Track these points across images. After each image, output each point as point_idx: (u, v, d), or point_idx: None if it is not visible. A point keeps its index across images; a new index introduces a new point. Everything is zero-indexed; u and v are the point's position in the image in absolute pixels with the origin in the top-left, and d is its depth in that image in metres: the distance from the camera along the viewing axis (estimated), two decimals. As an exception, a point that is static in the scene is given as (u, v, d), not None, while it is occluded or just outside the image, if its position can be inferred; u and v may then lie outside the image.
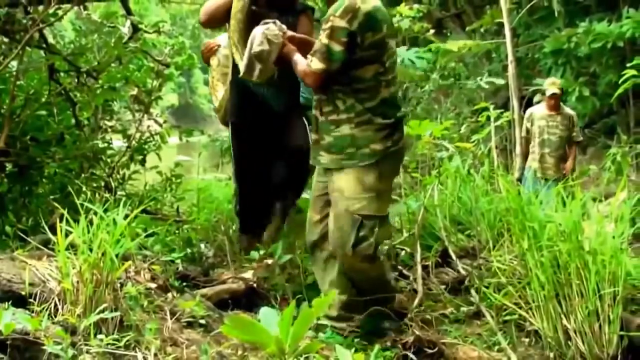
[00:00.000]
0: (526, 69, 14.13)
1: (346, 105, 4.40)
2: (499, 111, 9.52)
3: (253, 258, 5.58)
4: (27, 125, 5.84)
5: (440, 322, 5.02)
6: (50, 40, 7.01)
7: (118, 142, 7.11)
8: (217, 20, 5.70)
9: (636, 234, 5.82)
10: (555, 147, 9.51)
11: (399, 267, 5.81)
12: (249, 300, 5.34)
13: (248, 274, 5.51)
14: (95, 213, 3.87)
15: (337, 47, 4.27)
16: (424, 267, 5.85)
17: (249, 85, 5.45)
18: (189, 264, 5.68)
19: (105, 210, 3.94)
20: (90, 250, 3.69)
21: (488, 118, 9.17)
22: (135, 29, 7.15)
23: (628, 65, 7.53)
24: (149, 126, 7.20)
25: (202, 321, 4.27)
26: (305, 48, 4.66)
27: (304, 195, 6.51)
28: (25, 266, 3.86)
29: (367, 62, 4.36)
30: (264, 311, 2.75)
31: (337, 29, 4.25)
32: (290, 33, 4.78)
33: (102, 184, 6.26)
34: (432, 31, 9.25)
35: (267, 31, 4.59)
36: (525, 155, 9.98)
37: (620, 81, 7.54)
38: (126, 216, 3.94)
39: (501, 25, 10.02)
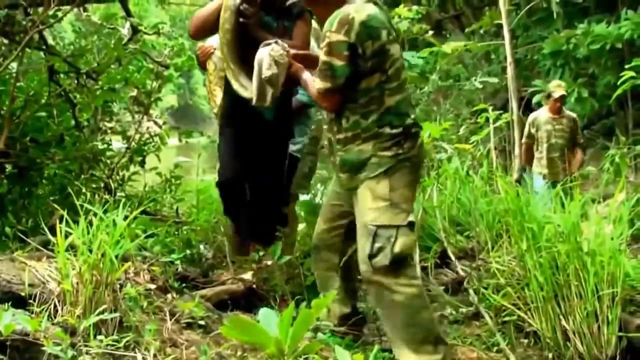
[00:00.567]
0: (525, 71, 14.15)
1: (350, 123, 4.18)
2: (498, 112, 9.51)
3: (253, 259, 5.60)
4: (27, 127, 5.84)
5: (439, 323, 5.02)
6: (50, 41, 7.01)
7: (118, 143, 7.11)
8: (207, 33, 5.58)
9: (635, 235, 5.84)
10: (562, 150, 9.39)
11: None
12: (248, 301, 5.35)
13: (247, 275, 5.52)
14: (95, 214, 3.87)
15: (338, 62, 4.05)
16: (423, 268, 5.86)
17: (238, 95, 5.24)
18: (189, 265, 5.69)
19: (105, 212, 3.95)
20: (90, 251, 3.69)
21: (487, 119, 9.16)
22: (134, 30, 7.15)
23: (627, 66, 7.53)
24: (148, 127, 7.20)
25: (202, 322, 4.28)
26: (308, 63, 4.52)
27: (303, 197, 6.53)
28: (25, 267, 3.87)
29: (371, 72, 4.11)
30: (264, 312, 2.75)
31: (336, 43, 4.04)
32: (292, 51, 4.53)
33: (102, 185, 6.26)
34: (431, 33, 9.25)
35: (273, 52, 4.35)
36: (527, 160, 9.77)
37: (618, 82, 7.53)
38: (126, 217, 3.94)
39: (500, 26, 10.01)
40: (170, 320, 4.08)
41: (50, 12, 5.82)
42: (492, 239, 5.91)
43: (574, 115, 9.71)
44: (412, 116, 4.27)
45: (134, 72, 6.89)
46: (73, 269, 3.68)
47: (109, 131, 7.08)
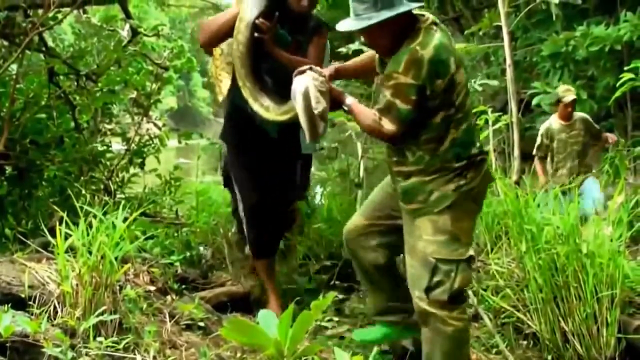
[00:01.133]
0: (524, 72, 14.15)
1: (415, 158, 3.97)
2: (497, 114, 9.51)
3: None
4: (27, 129, 5.84)
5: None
6: (50, 43, 7.01)
7: (117, 145, 7.11)
8: (219, 42, 5.35)
9: (634, 236, 5.84)
10: (581, 155, 8.85)
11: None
12: (247, 303, 5.36)
13: (250, 281, 5.56)
14: (95, 216, 3.88)
15: (405, 106, 3.80)
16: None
17: (244, 107, 5.00)
18: (188, 267, 5.70)
19: (105, 213, 3.96)
20: (90, 253, 3.70)
21: (486, 121, 9.16)
22: (134, 32, 7.15)
23: (626, 68, 7.52)
24: (148, 129, 7.19)
25: (201, 324, 4.29)
26: (350, 72, 4.39)
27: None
28: (24, 269, 3.87)
29: (438, 109, 3.89)
30: (263, 314, 2.76)
31: (403, 86, 3.78)
32: (326, 73, 4.22)
33: (102, 187, 6.25)
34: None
35: (315, 82, 4.02)
36: (544, 173, 9.06)
37: (618, 84, 7.52)
38: (125, 219, 3.95)
39: (499, 28, 9.99)
40: (170, 321, 4.08)
41: (50, 14, 5.81)
42: (491, 241, 5.91)
43: (583, 115, 9.22)
44: (477, 144, 4.10)
45: (133, 74, 6.88)
46: (73, 271, 3.69)
47: (108, 133, 7.07)
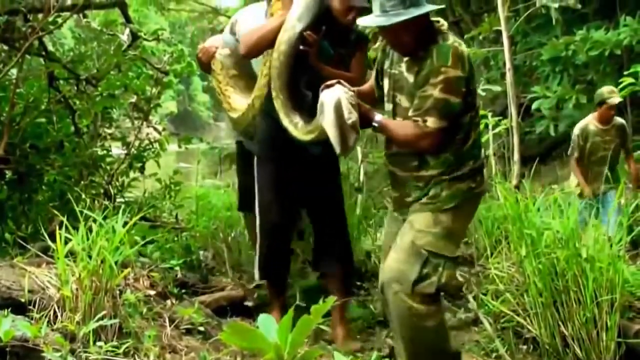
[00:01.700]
0: (524, 77, 14.15)
1: (439, 160, 3.94)
2: (497, 119, 9.51)
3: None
4: (27, 133, 5.84)
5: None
6: (50, 48, 7.02)
7: (117, 149, 7.11)
8: (262, 52, 4.99)
9: (633, 241, 5.84)
10: (611, 162, 8.23)
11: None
12: (247, 307, 5.36)
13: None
14: (95, 220, 3.88)
15: (457, 99, 3.79)
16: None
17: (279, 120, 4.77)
18: (188, 271, 5.70)
19: (105, 218, 3.96)
20: (90, 257, 3.70)
21: (486, 125, 9.17)
22: (134, 36, 7.16)
23: (625, 73, 7.56)
24: (148, 134, 7.20)
25: (201, 328, 4.29)
26: (362, 98, 4.12)
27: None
28: (24, 273, 3.87)
29: (469, 108, 3.93)
30: (263, 318, 2.76)
31: (455, 79, 3.77)
32: (355, 89, 4.08)
33: (102, 191, 6.25)
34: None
35: (346, 94, 3.90)
36: (584, 176, 8.38)
37: (617, 89, 7.55)
38: (125, 223, 3.95)
39: (499, 33, 10.02)
40: (170, 326, 4.08)
41: (50, 19, 5.83)
42: (491, 245, 5.91)
43: (623, 122, 8.54)
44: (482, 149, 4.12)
45: (133, 78, 6.89)
46: (73, 275, 3.69)
47: (108, 137, 7.07)
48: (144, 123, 7.12)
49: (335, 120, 3.87)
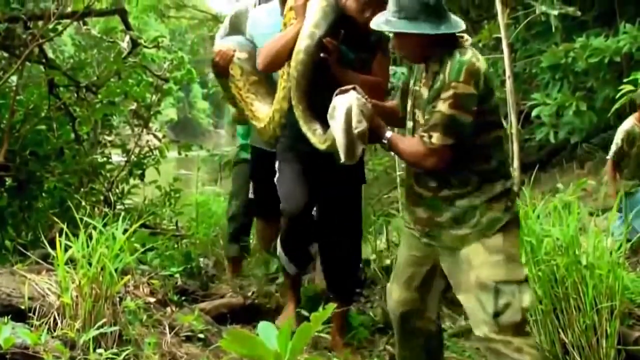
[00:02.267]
0: (524, 84, 14.15)
1: (460, 179, 3.74)
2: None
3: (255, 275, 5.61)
4: (27, 140, 5.85)
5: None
6: (50, 55, 7.03)
7: (117, 156, 7.12)
8: (282, 64, 4.84)
9: (633, 248, 5.84)
10: None
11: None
12: (247, 314, 5.36)
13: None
14: (95, 227, 3.89)
15: (467, 118, 3.59)
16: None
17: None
18: (188, 279, 5.69)
19: (105, 225, 3.96)
20: (90, 264, 3.70)
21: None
22: (134, 43, 7.17)
23: (625, 80, 7.56)
24: (148, 141, 7.20)
25: (201, 335, 4.28)
26: (379, 111, 3.95)
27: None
28: (24, 280, 3.87)
29: (489, 127, 3.73)
30: (263, 325, 2.76)
31: (464, 96, 3.57)
32: (373, 100, 3.92)
33: (102, 198, 6.26)
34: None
35: (359, 102, 3.75)
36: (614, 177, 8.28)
37: (617, 96, 7.56)
38: (125, 231, 3.95)
39: (499, 40, 10.00)
40: (170, 333, 4.08)
41: (50, 26, 5.84)
42: (491, 252, 5.90)
43: None
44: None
45: (133, 85, 6.89)
46: (73, 283, 3.69)
47: (108, 144, 7.08)
48: (144, 130, 7.13)
49: (344, 127, 3.73)
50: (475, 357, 4.85)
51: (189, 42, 46.18)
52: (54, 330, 3.60)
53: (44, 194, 6.01)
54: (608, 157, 8.33)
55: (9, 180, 5.77)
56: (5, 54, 6.14)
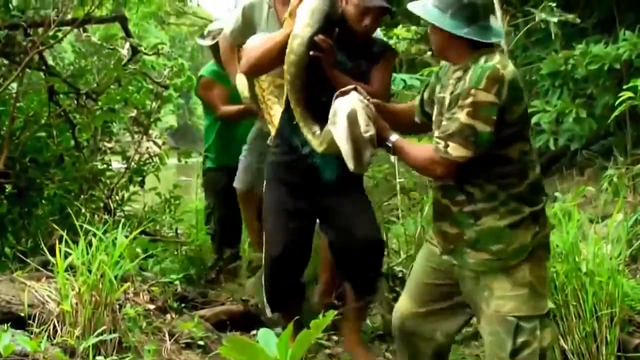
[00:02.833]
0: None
1: (485, 193, 3.53)
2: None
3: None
4: (27, 147, 5.85)
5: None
6: (50, 62, 7.02)
7: (117, 163, 7.12)
8: (267, 68, 4.65)
9: (633, 255, 5.84)
10: None
11: (397, 289, 5.80)
12: (247, 321, 5.35)
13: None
14: (95, 234, 3.89)
15: (485, 128, 3.38)
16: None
17: (290, 138, 4.51)
18: (188, 285, 5.69)
19: (105, 232, 3.96)
20: (90, 271, 3.71)
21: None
22: (134, 51, 7.17)
23: (625, 87, 7.54)
24: (148, 148, 7.20)
25: (201, 342, 4.29)
26: (384, 113, 3.81)
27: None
28: (24, 287, 3.87)
29: (513, 140, 3.51)
30: (262, 332, 2.76)
31: (485, 104, 3.36)
32: (375, 101, 3.77)
33: (101, 205, 6.26)
34: (429, 53, 9.25)
35: (362, 104, 3.59)
36: None
37: (617, 103, 7.54)
38: (125, 237, 3.95)
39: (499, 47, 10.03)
40: (170, 340, 4.09)
41: (50, 33, 5.84)
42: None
43: None
44: (545, 191, 3.75)
45: (133, 92, 6.88)
46: (72, 290, 3.69)
47: (108, 151, 7.08)
48: (144, 137, 7.12)
49: (349, 132, 3.55)
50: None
51: (189, 49, 46.30)
52: (54, 338, 3.60)
53: (43, 201, 6.01)
54: None
55: (8, 187, 5.77)
56: (6, 61, 6.13)
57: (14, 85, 5.89)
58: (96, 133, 6.78)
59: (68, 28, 6.32)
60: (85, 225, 4.03)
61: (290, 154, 4.57)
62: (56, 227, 4.72)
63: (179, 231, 7.34)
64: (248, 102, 5.54)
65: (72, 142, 6.49)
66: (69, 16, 6.28)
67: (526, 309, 3.50)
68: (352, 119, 3.54)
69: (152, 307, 4.46)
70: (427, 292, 3.83)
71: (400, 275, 6.04)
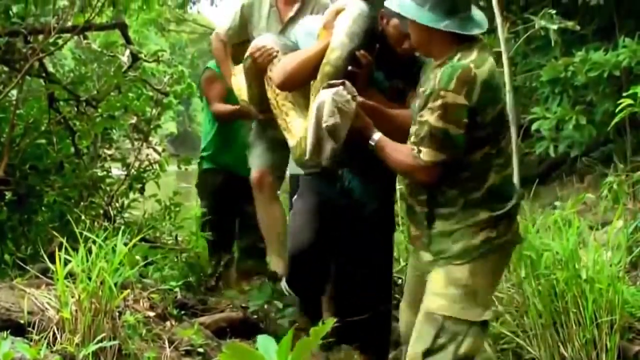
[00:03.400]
0: (524, 98, 14.15)
1: (446, 198, 3.46)
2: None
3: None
4: (27, 154, 5.85)
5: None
6: (50, 69, 7.03)
7: (117, 170, 7.11)
8: (301, 83, 4.39)
9: (633, 262, 5.84)
10: None
11: (396, 296, 5.79)
12: (247, 328, 5.34)
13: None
14: (94, 241, 3.88)
15: (457, 131, 3.29)
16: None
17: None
18: (188, 293, 5.68)
19: (104, 239, 3.96)
20: (89, 278, 3.70)
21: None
22: (134, 58, 7.17)
23: (624, 94, 7.54)
24: (148, 154, 7.20)
25: (201, 349, 4.28)
26: (374, 119, 3.69)
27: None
28: (24, 295, 3.87)
29: (484, 142, 3.40)
30: (262, 339, 2.76)
31: (454, 107, 3.26)
32: (360, 99, 3.64)
33: (101, 212, 6.26)
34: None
35: (337, 97, 3.48)
36: None
37: (617, 110, 7.54)
38: (125, 244, 3.95)
39: (499, 54, 10.02)
40: (169, 347, 4.08)
41: (51, 40, 5.85)
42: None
43: None
44: (514, 198, 3.57)
45: (133, 99, 6.88)
46: (72, 297, 3.69)
47: (108, 158, 7.07)
48: (144, 144, 7.12)
49: (314, 121, 3.58)
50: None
51: (189, 56, 46.32)
52: (54, 345, 3.59)
53: (43, 208, 6.00)
54: None
55: (8, 194, 5.77)
56: (6, 68, 6.14)
57: (14, 92, 5.89)
58: (96, 140, 6.78)
59: (68, 35, 6.32)
60: (85, 232, 4.03)
61: (331, 187, 4.49)
62: (56, 234, 4.72)
63: (179, 238, 7.33)
64: (245, 105, 5.50)
65: (72, 149, 6.49)
66: (69, 23, 6.29)
67: (455, 310, 3.44)
68: (318, 110, 3.54)
69: (152, 314, 4.46)
70: (419, 298, 3.72)
71: (399, 282, 6.04)
